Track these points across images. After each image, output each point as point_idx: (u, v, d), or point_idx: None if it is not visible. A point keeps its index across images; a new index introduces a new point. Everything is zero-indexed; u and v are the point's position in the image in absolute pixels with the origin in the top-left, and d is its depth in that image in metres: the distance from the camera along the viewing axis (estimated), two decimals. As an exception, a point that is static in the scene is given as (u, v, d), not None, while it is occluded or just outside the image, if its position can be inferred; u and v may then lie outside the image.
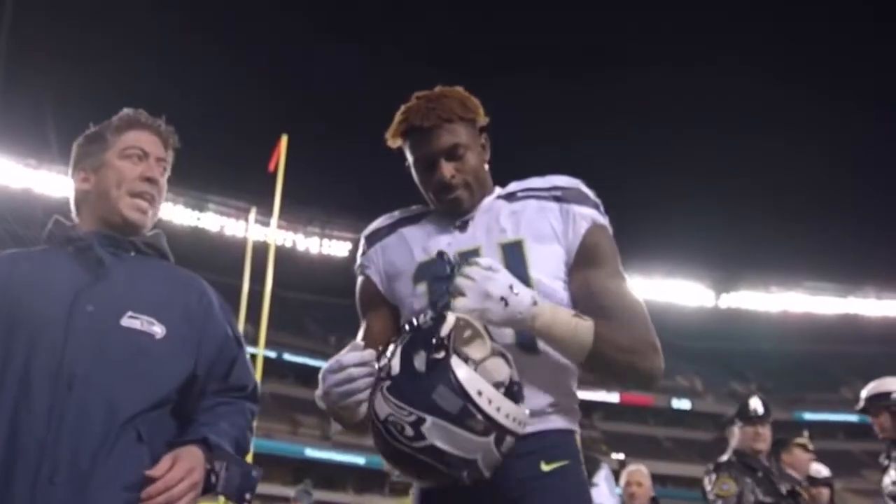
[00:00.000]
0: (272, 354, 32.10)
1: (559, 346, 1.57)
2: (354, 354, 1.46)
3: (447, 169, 1.68)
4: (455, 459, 1.37)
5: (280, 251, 19.31)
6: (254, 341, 13.11)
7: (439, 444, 1.36)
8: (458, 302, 1.47)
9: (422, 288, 1.66)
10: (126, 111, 1.81)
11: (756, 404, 4.08)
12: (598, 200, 1.74)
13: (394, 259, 1.74)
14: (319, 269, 39.54)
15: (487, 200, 1.75)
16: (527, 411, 1.47)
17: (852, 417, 40.36)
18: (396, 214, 1.82)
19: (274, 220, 14.65)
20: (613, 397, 40.51)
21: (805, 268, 44.28)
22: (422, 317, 1.45)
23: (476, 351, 1.48)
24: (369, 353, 1.46)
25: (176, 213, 35.03)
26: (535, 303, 1.52)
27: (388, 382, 1.40)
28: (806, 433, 5.36)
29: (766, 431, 4.05)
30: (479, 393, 1.38)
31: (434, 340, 1.39)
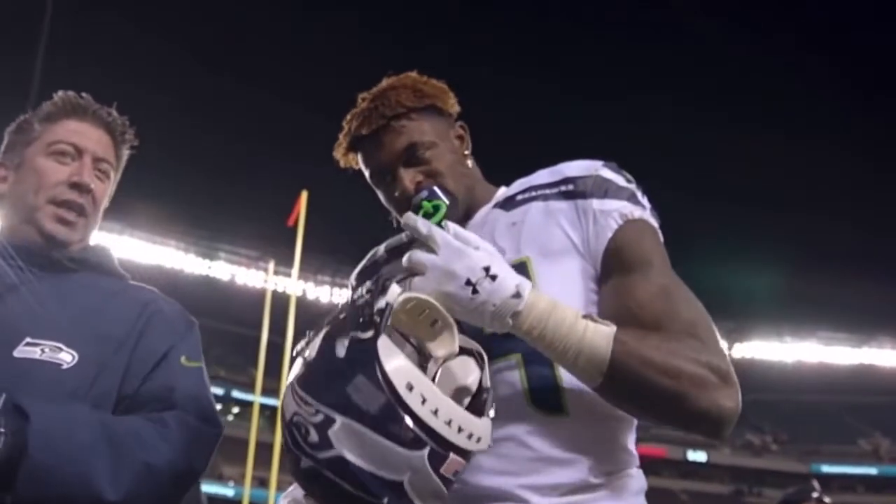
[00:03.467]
0: (276, 403, 32.07)
1: (560, 360, 1.14)
2: None
3: (408, 178, 1.32)
4: (371, 480, 0.99)
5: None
6: (274, 392, 13.27)
7: (349, 455, 0.99)
8: (414, 280, 1.11)
9: None
10: (62, 93, 1.44)
11: (816, 485, 4.11)
12: (631, 186, 1.29)
13: None
14: (331, 317, 39.68)
15: (482, 211, 1.36)
16: (489, 423, 1.07)
17: (871, 470, 39.74)
18: (381, 250, 1.48)
19: (294, 272, 14.94)
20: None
21: (818, 318, 44.08)
22: (359, 290, 1.08)
23: (439, 346, 1.11)
24: None
25: (187, 262, 35.32)
26: (518, 294, 1.09)
27: (301, 371, 1.07)
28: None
29: None
30: (410, 388, 1.00)
31: (362, 318, 1.03)
